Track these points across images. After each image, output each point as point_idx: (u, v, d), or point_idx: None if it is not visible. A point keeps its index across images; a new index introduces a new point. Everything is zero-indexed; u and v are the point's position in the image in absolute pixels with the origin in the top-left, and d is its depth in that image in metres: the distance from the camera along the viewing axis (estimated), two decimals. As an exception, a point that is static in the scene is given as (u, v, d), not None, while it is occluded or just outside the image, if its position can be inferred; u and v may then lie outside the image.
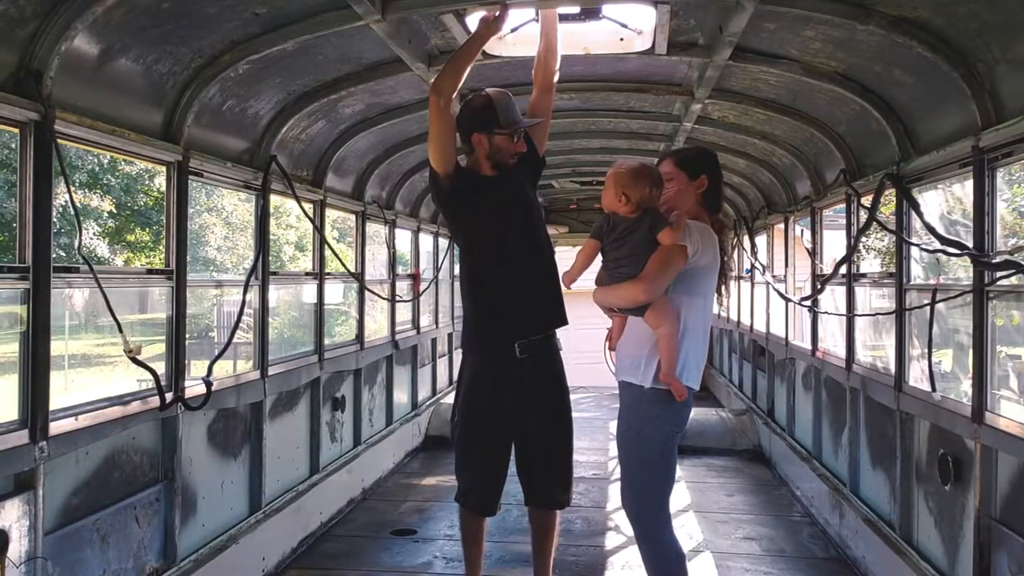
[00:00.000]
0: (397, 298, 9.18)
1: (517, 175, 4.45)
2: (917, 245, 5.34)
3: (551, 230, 13.95)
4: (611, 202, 3.89)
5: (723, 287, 4.19)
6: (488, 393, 4.36)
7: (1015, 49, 3.86)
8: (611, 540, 6.55)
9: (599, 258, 4.05)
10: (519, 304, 4.36)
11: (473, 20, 4.80)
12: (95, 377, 18.03)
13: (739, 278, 11.61)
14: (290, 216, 23.88)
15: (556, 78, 4.51)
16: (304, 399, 6.75)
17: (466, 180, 4.36)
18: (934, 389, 4.80)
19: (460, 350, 4.62)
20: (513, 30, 5.09)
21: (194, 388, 4.90)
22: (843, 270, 6.45)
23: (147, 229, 22.80)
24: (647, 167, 3.88)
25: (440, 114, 4.13)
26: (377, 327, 9.63)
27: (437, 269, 10.98)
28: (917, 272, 5.57)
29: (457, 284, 12.56)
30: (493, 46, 5.24)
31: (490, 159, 4.34)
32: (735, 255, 11.37)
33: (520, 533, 6.57)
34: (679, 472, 4.98)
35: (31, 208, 3.66)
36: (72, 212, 4.16)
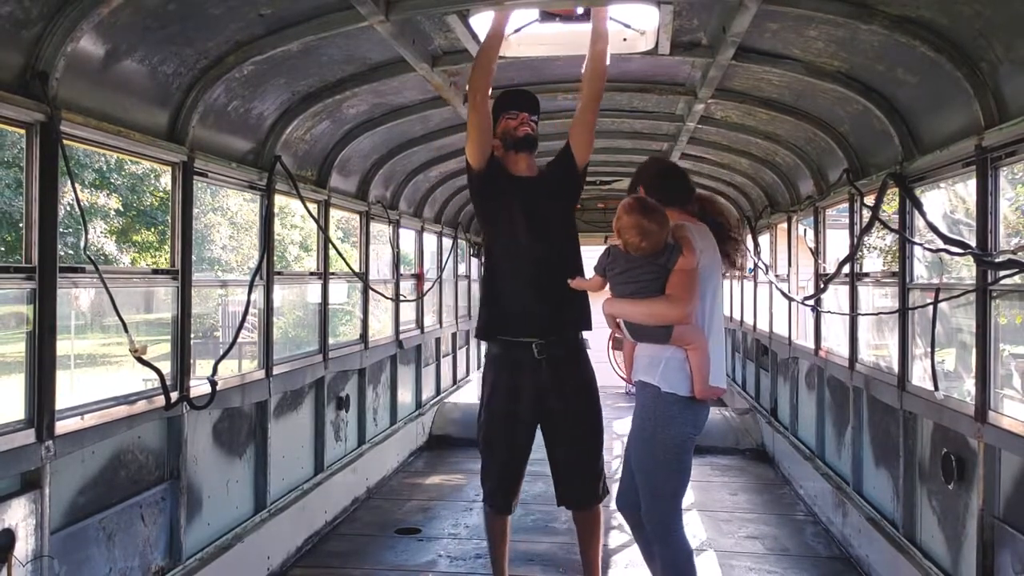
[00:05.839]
0: (401, 298, 9.20)
1: (550, 181, 4.63)
2: (920, 244, 5.34)
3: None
4: (614, 227, 3.99)
5: (735, 257, 4.30)
6: (507, 398, 4.54)
7: (1018, 48, 3.86)
8: (614, 539, 6.56)
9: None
10: (524, 303, 4.50)
11: (476, 20, 4.82)
12: (101, 377, 18.08)
13: (742, 277, 11.61)
14: (294, 216, 23.91)
15: (594, 86, 4.46)
16: (308, 398, 6.77)
17: (496, 173, 4.56)
18: (937, 388, 4.79)
19: (471, 344, 4.83)
20: (516, 30, 5.10)
21: (199, 388, 4.92)
22: (846, 269, 6.45)
23: (152, 229, 22.86)
24: (647, 220, 3.85)
25: (472, 109, 4.39)
26: (381, 327, 9.65)
27: (441, 269, 10.99)
28: (920, 271, 5.57)
29: (460, 284, 12.65)
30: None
31: (509, 145, 4.56)
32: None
33: (527, 532, 6.61)
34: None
35: (37, 208, 3.68)
36: (78, 212, 4.19)
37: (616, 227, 3.94)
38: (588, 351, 4.74)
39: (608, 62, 4.40)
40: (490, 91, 4.43)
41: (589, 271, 4.30)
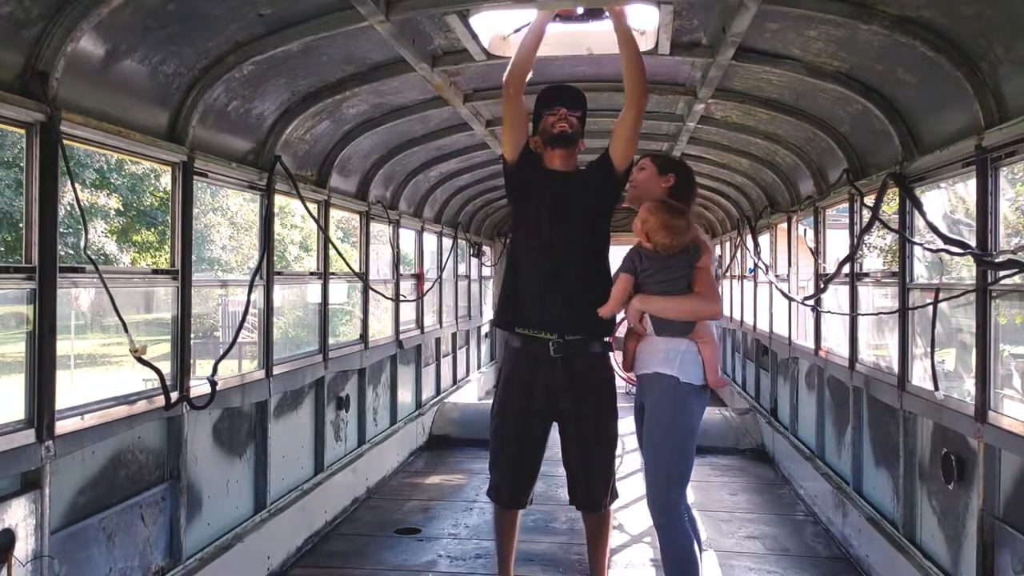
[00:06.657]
0: (401, 298, 9.20)
1: (588, 180, 4.58)
2: (920, 244, 5.34)
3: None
4: (638, 233, 4.18)
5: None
6: (520, 392, 4.49)
7: (1018, 49, 3.86)
8: (615, 539, 6.55)
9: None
10: (540, 297, 4.41)
11: (476, 20, 4.82)
12: (101, 377, 18.09)
13: (742, 277, 11.62)
14: (294, 216, 23.94)
15: (633, 93, 4.39)
16: (308, 398, 6.77)
17: (530, 167, 4.56)
18: (937, 388, 4.80)
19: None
20: (516, 31, 5.10)
21: (199, 388, 4.92)
22: (846, 269, 6.45)
23: (152, 229, 22.87)
24: (674, 220, 4.10)
25: (504, 101, 4.47)
26: (381, 327, 9.65)
27: (441, 269, 11.00)
28: (920, 271, 5.57)
29: (460, 284, 12.65)
30: (496, 47, 5.25)
31: (546, 141, 4.54)
32: (738, 254, 11.38)
33: (527, 532, 6.59)
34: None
35: (37, 208, 3.68)
36: (78, 212, 4.20)
37: (643, 229, 4.12)
38: (611, 353, 4.61)
39: (639, 71, 4.34)
40: (525, 84, 4.43)
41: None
